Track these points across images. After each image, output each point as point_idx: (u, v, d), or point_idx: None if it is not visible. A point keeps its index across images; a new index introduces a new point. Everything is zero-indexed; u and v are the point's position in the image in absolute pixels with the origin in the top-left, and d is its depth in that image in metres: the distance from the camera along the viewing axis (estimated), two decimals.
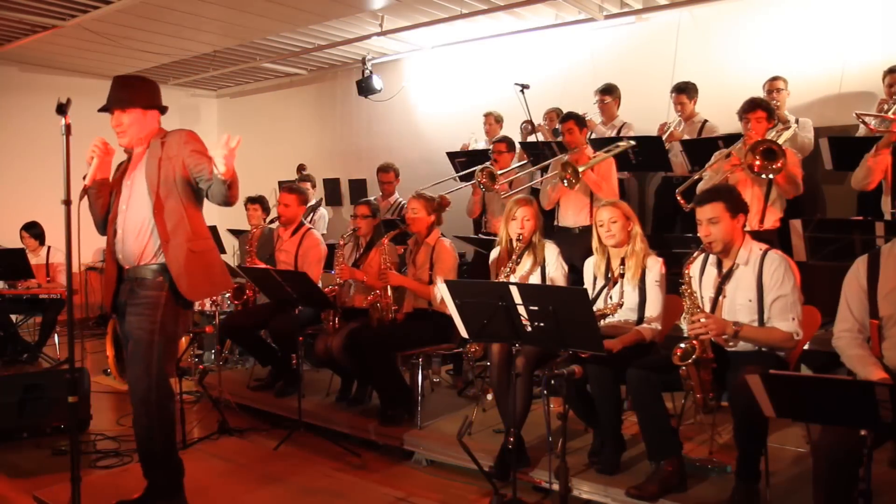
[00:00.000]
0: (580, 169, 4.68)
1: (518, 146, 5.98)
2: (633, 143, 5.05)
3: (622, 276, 3.54)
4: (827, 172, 5.04)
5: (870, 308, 2.63)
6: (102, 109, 3.08)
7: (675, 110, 5.59)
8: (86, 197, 3.06)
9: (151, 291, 2.98)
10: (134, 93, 3.07)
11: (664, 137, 5.40)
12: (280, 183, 8.01)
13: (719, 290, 3.16)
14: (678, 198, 4.22)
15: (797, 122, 5.08)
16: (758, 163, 3.97)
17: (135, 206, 3.03)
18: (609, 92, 5.91)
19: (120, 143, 3.11)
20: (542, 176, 5.43)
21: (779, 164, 3.93)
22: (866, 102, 4.91)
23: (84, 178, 3.03)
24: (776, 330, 3.00)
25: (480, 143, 6.85)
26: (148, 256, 3.01)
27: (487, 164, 5.56)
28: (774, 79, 5.19)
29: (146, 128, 3.09)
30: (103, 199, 3.11)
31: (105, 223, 3.15)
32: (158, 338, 2.92)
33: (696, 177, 4.41)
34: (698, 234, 3.18)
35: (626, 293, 3.52)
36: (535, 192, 5.34)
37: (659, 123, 5.73)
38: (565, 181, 4.72)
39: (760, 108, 4.23)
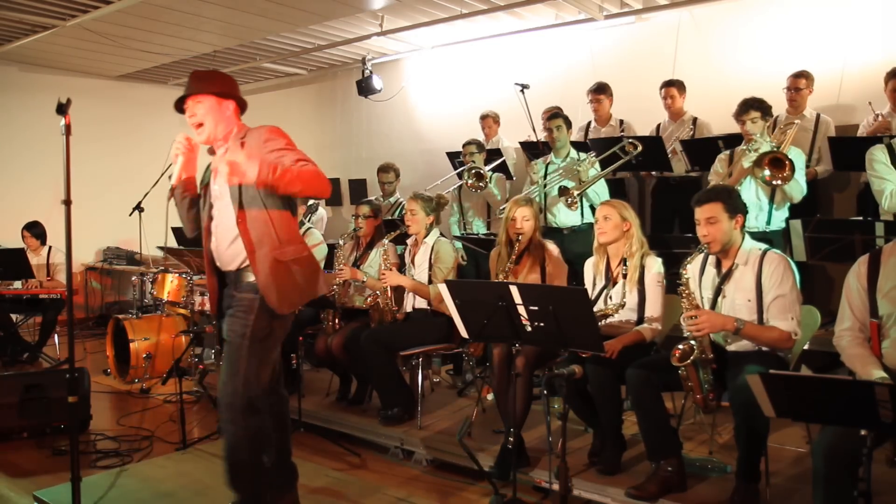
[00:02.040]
0: (576, 194, 4.71)
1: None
2: (638, 148, 5.03)
3: (625, 276, 3.54)
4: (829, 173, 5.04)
5: (870, 307, 2.63)
6: (178, 104, 2.88)
7: (664, 105, 5.59)
8: (172, 197, 2.94)
9: (246, 294, 2.82)
10: (207, 82, 2.88)
11: (670, 147, 5.39)
12: None
13: (718, 290, 3.16)
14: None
15: (818, 118, 5.03)
16: (767, 173, 4.01)
17: (224, 214, 2.84)
18: (603, 91, 5.90)
19: (199, 140, 2.90)
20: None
21: (787, 173, 3.97)
22: (866, 103, 4.91)
23: (170, 177, 2.90)
24: (775, 329, 3.01)
25: None
26: (243, 262, 2.84)
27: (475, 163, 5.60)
28: (797, 76, 5.07)
29: (223, 119, 2.86)
30: (189, 200, 2.96)
31: (192, 224, 3.02)
32: (248, 342, 2.76)
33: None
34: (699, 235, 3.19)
35: (622, 294, 3.52)
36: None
37: (658, 123, 5.74)
38: (568, 199, 4.75)
39: (753, 109, 4.25)
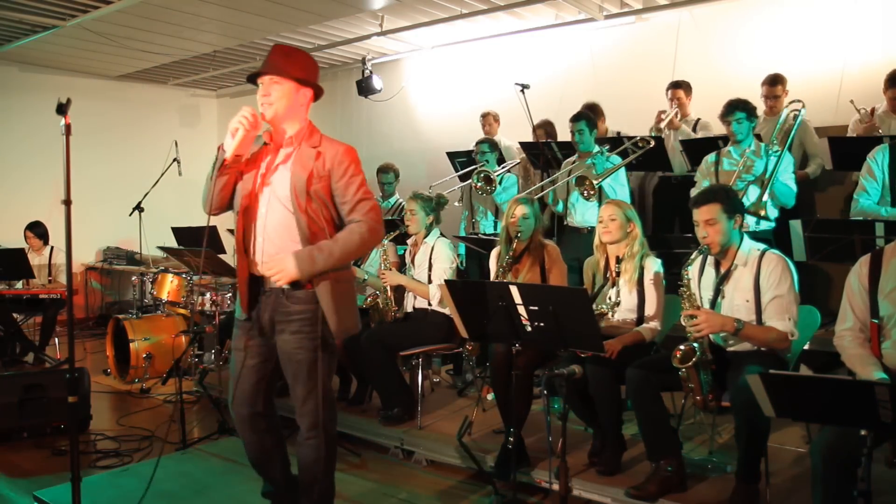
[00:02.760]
0: (596, 183, 4.68)
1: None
2: (651, 143, 5.00)
3: (618, 274, 3.54)
4: (825, 172, 5.04)
5: (871, 308, 2.63)
6: (252, 77, 2.71)
7: (671, 106, 5.59)
8: (222, 173, 2.68)
9: (306, 305, 2.66)
10: (292, 63, 2.67)
11: (663, 124, 5.38)
12: None
13: (717, 291, 3.16)
14: None
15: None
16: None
17: (277, 215, 2.66)
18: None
19: (263, 115, 2.67)
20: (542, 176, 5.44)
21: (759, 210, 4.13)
22: (866, 103, 4.90)
23: (221, 146, 2.66)
24: (773, 329, 3.01)
25: None
26: None
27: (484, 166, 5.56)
28: (773, 84, 5.01)
29: (295, 109, 2.69)
30: (230, 178, 2.71)
31: (218, 203, 2.75)
32: (322, 353, 2.67)
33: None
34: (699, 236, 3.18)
35: (623, 294, 3.53)
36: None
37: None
38: (585, 192, 4.73)
39: (739, 110, 4.28)
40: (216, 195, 2.73)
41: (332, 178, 2.65)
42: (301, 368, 2.68)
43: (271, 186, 2.68)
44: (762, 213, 4.16)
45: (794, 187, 4.26)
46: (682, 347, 2.99)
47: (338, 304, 2.67)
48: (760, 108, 4.89)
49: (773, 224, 4.34)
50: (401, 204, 6.34)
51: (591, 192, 4.70)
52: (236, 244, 2.77)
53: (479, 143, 5.83)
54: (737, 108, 4.29)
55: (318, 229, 2.65)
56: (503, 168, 5.72)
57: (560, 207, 5.19)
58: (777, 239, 4.38)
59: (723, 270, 3.18)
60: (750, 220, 4.28)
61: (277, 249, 2.64)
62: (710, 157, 4.53)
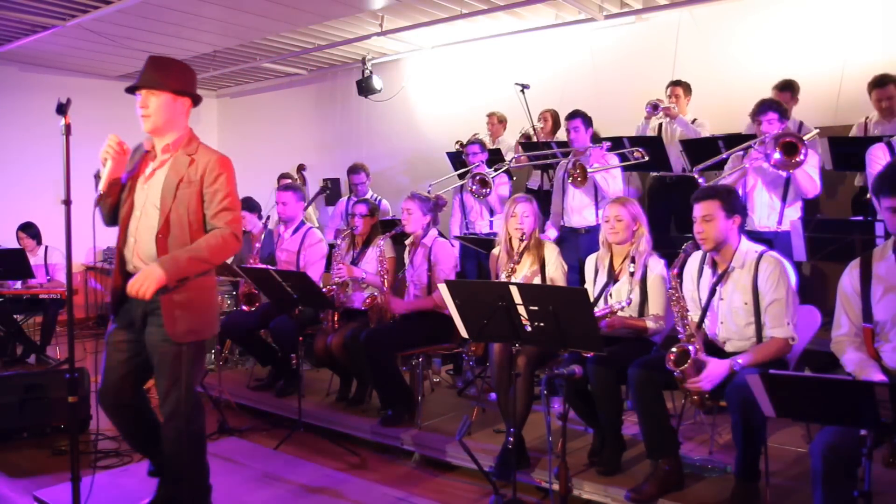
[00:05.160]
0: (589, 169, 4.70)
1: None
2: (646, 159, 5.06)
3: (632, 274, 3.51)
4: (825, 172, 5.03)
5: (864, 311, 2.62)
6: (130, 89, 2.83)
7: (669, 102, 5.59)
8: (99, 204, 2.90)
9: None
10: (166, 74, 2.80)
11: (660, 108, 5.40)
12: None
13: (713, 292, 3.16)
14: None
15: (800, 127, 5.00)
16: (777, 156, 3.93)
17: (148, 218, 2.83)
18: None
19: (143, 127, 2.83)
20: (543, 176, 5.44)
21: (798, 158, 3.89)
22: (866, 102, 4.90)
23: (97, 174, 2.85)
24: (772, 342, 3.00)
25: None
26: None
27: (480, 170, 5.53)
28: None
29: (174, 118, 2.82)
30: (113, 198, 2.91)
31: (113, 218, 2.97)
32: (186, 349, 2.79)
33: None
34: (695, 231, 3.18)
35: (626, 292, 3.52)
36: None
37: (659, 123, 5.73)
38: (571, 179, 4.75)
39: (772, 111, 4.19)
40: (106, 214, 2.97)
41: (204, 184, 2.79)
42: (164, 361, 2.80)
43: (146, 192, 2.83)
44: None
45: (818, 180, 4.17)
46: (675, 350, 2.98)
47: (178, 305, 2.77)
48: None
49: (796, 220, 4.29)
50: (377, 200, 6.34)
51: (580, 180, 4.73)
52: (116, 248, 2.95)
53: (467, 143, 5.79)
54: (770, 108, 4.19)
55: (180, 231, 2.80)
56: (498, 171, 5.69)
57: None
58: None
59: (719, 271, 3.17)
60: (772, 222, 4.26)
61: (146, 250, 2.81)
62: (737, 154, 4.45)
